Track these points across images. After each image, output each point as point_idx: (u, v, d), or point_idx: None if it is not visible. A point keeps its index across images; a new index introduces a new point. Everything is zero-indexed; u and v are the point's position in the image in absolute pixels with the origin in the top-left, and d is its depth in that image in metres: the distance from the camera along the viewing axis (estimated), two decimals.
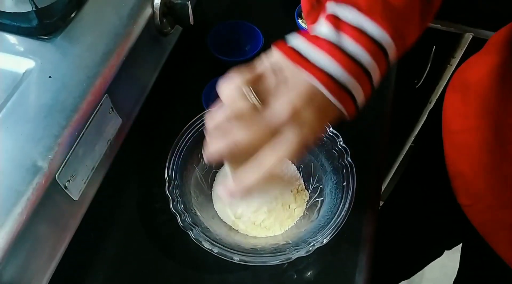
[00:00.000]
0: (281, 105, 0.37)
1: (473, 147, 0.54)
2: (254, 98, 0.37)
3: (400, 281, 1.10)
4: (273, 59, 0.38)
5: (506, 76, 0.50)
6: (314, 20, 0.42)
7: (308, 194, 0.56)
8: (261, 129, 0.37)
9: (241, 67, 0.39)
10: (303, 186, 0.57)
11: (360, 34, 0.37)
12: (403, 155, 1.32)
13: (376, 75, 0.39)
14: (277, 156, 0.38)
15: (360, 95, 0.39)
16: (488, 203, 0.54)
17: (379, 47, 0.38)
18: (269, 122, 0.37)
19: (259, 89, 0.38)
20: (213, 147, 0.39)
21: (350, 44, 0.37)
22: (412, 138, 1.25)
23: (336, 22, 0.38)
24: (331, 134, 0.54)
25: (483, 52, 0.57)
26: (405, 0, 0.38)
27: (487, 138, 0.52)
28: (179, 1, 0.57)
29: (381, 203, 0.90)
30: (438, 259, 0.92)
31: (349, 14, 0.38)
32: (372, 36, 0.37)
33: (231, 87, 0.38)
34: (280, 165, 0.40)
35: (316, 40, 0.38)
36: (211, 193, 0.56)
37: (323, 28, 0.38)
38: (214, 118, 0.39)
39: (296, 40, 0.39)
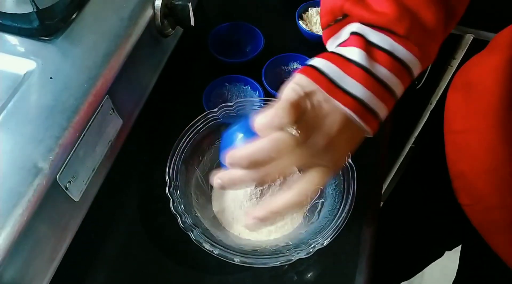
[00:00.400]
0: (319, 137, 0.38)
1: (474, 147, 0.54)
2: (296, 132, 0.37)
3: (400, 282, 1.10)
4: (304, 85, 0.38)
5: (509, 76, 0.51)
6: (333, 33, 0.44)
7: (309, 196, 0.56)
8: (299, 161, 0.38)
9: (279, 101, 0.37)
10: None
11: (392, 60, 0.38)
12: (403, 156, 1.32)
13: (399, 91, 0.40)
14: (312, 184, 0.39)
15: (384, 114, 0.40)
16: (489, 204, 0.54)
17: (405, 68, 0.39)
18: (308, 153, 0.38)
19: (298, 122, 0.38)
20: (240, 176, 0.39)
21: (383, 72, 0.38)
22: (412, 139, 1.25)
23: (368, 48, 0.38)
24: None
25: (486, 52, 0.57)
26: (436, 21, 0.39)
27: (488, 139, 0.52)
28: (180, 2, 0.58)
29: (382, 203, 0.90)
30: (439, 260, 0.92)
31: (382, 40, 0.38)
32: (403, 60, 0.38)
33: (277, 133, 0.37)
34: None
35: (347, 67, 0.38)
36: (211, 194, 0.56)
37: (353, 52, 0.38)
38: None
39: (326, 66, 0.39)
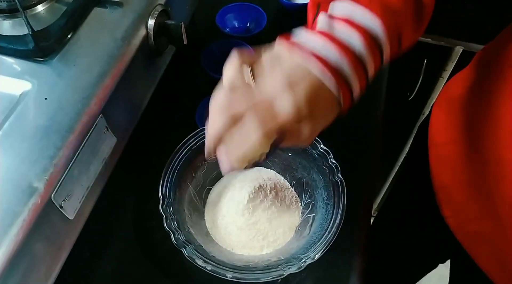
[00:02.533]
0: (273, 80, 0.37)
1: (454, 159, 0.56)
2: (250, 77, 0.38)
3: None
4: (273, 49, 0.40)
5: (481, 91, 0.52)
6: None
7: (300, 210, 0.57)
8: (255, 102, 0.37)
9: (243, 51, 0.40)
10: (298, 203, 0.58)
11: (352, 22, 0.39)
12: (397, 167, 1.33)
13: (371, 67, 0.40)
14: (263, 130, 0.37)
15: (356, 85, 0.39)
16: (468, 215, 0.56)
17: (373, 39, 0.39)
18: (261, 96, 0.37)
19: (256, 71, 0.38)
20: (212, 127, 0.40)
21: (343, 31, 0.38)
22: (406, 149, 1.27)
23: (331, 16, 0.40)
24: (321, 150, 0.55)
25: (467, 68, 0.59)
26: (400, 2, 0.40)
27: (466, 151, 0.53)
28: (173, 22, 0.59)
29: (376, 214, 0.90)
30: (435, 270, 0.93)
31: (343, 8, 0.40)
32: (365, 24, 0.38)
33: (231, 67, 0.39)
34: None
35: (312, 31, 0.40)
36: (205, 211, 0.57)
37: (318, 24, 0.40)
38: (215, 98, 0.40)
39: (296, 32, 0.40)
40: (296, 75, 0.37)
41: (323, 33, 0.39)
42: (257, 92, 0.37)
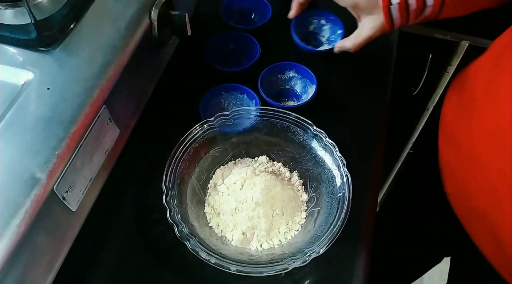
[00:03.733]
0: None
1: (459, 136, 0.58)
2: None
3: None
4: None
5: (494, 74, 0.55)
6: None
7: (305, 203, 0.57)
8: None
9: None
10: (303, 196, 0.57)
11: None
12: (401, 162, 1.33)
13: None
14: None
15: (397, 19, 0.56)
16: (468, 191, 0.57)
17: None
18: None
19: None
20: None
21: None
22: (410, 145, 1.26)
23: None
24: (327, 144, 0.55)
25: (483, 55, 0.61)
26: None
27: (470, 129, 0.56)
28: (177, 13, 0.58)
29: (378, 210, 0.90)
30: (438, 266, 0.92)
31: None
32: None
33: None
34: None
35: None
36: (205, 203, 0.57)
37: None
38: None
39: None
40: None
41: None
42: None
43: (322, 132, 0.55)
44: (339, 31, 0.73)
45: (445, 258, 0.89)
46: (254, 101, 0.64)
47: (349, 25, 0.69)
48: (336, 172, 0.53)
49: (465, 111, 0.59)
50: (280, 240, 0.53)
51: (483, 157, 0.54)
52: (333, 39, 0.74)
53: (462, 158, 0.58)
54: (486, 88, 0.55)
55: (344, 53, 0.70)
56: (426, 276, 1.03)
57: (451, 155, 0.62)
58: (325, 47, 0.73)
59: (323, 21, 0.75)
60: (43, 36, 0.50)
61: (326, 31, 0.75)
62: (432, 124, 0.68)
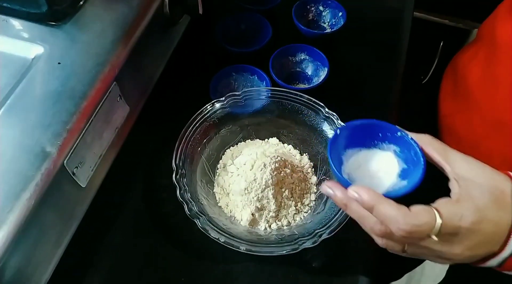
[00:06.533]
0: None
1: (458, 127, 0.59)
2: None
3: (404, 273, 1.10)
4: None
5: (484, 62, 0.56)
6: None
7: (315, 186, 0.56)
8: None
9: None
10: (313, 179, 0.57)
11: None
12: None
13: None
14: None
15: None
16: None
17: None
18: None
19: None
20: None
21: None
22: None
23: None
24: (338, 127, 0.54)
25: (472, 42, 0.63)
26: None
27: (468, 119, 0.56)
28: None
29: None
30: None
31: None
32: None
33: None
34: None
35: None
36: (215, 183, 0.56)
37: None
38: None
39: None
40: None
41: None
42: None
43: (334, 115, 0.55)
44: (340, 13, 0.72)
45: None
46: (264, 83, 0.63)
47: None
48: None
49: (461, 103, 0.58)
50: (289, 221, 0.53)
51: (485, 147, 0.54)
52: (334, 22, 0.73)
53: (463, 149, 0.57)
54: (481, 78, 0.54)
55: (356, 38, 0.70)
56: (427, 265, 1.04)
57: (452, 146, 0.61)
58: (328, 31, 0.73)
59: (321, 8, 0.74)
60: (54, 10, 0.49)
61: (326, 17, 0.74)
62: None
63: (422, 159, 0.39)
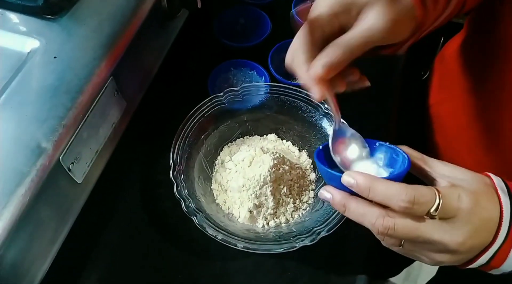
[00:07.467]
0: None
1: (443, 116, 0.61)
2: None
3: (403, 268, 1.11)
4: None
5: (470, 51, 0.56)
6: None
7: (314, 183, 0.56)
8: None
9: None
10: (311, 176, 0.56)
11: None
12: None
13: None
14: None
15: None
16: None
17: None
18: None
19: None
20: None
21: None
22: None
23: None
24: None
25: (460, 32, 0.62)
26: None
27: (453, 108, 0.57)
28: None
29: None
30: None
31: None
32: None
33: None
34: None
35: None
36: (212, 180, 0.56)
37: None
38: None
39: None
40: None
41: None
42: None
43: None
44: None
45: None
46: (263, 78, 0.63)
47: None
48: None
49: (447, 92, 0.59)
50: (287, 219, 0.52)
51: (468, 136, 0.54)
52: None
53: (448, 138, 0.58)
54: (466, 68, 0.55)
55: None
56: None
57: (437, 136, 0.62)
58: None
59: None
60: (50, 4, 0.48)
61: None
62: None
63: (403, 153, 0.40)
